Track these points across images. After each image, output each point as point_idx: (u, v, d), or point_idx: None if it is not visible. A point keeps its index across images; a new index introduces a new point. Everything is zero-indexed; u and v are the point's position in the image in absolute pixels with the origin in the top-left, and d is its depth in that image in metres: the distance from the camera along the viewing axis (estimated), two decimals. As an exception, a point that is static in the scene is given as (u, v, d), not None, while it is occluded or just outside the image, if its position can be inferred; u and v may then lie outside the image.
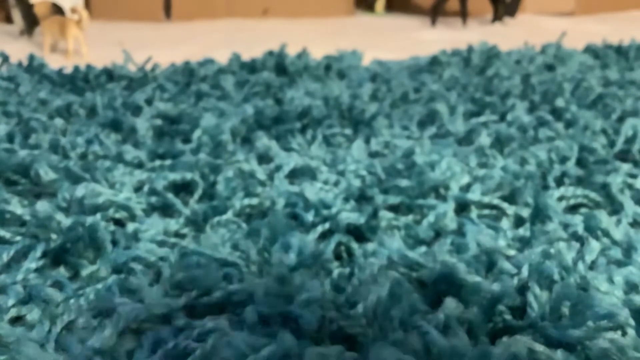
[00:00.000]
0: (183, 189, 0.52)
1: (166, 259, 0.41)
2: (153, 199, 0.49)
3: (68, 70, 0.91)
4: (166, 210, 0.49)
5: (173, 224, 0.46)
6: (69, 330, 0.33)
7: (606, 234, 0.46)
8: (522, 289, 0.38)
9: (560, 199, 0.53)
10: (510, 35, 1.56)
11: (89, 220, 0.42)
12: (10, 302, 0.35)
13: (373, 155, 0.61)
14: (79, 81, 0.86)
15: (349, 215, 0.46)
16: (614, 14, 2.03)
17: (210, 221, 0.46)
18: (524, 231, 0.47)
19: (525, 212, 0.50)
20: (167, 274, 0.38)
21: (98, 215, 0.44)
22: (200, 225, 0.46)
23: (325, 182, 0.53)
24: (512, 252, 0.43)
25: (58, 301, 0.35)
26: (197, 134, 0.63)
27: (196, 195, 0.51)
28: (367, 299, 0.35)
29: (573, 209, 0.53)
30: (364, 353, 0.32)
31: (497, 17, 1.84)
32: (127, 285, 0.37)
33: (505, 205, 0.51)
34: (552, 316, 0.36)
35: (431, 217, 0.48)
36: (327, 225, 0.46)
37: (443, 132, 0.68)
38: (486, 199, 0.51)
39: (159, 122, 0.68)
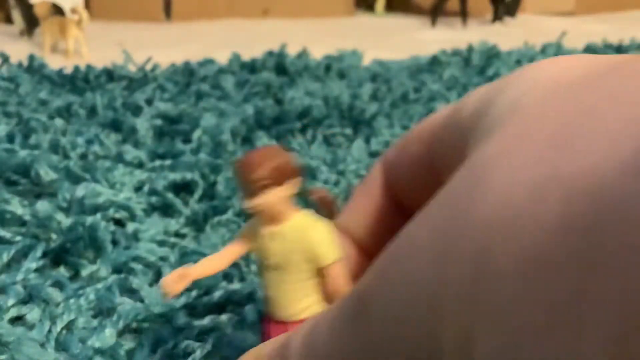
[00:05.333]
0: (183, 189, 0.52)
1: (166, 259, 0.41)
2: (153, 199, 0.49)
3: (68, 70, 0.90)
4: (166, 210, 0.48)
5: (173, 224, 0.46)
6: (69, 330, 0.33)
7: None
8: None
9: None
10: (510, 35, 1.56)
11: (89, 220, 0.42)
12: (10, 301, 0.34)
13: (373, 155, 0.61)
14: (79, 81, 0.86)
15: (349, 215, 0.46)
16: (614, 14, 2.03)
17: (210, 221, 0.46)
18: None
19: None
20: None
21: (98, 215, 0.44)
22: (200, 225, 0.46)
23: (326, 182, 0.53)
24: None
25: (58, 301, 0.35)
26: (197, 134, 0.63)
27: (196, 195, 0.51)
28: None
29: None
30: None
31: (497, 17, 1.84)
32: (127, 285, 0.37)
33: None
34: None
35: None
36: (327, 225, 0.46)
37: (443, 131, 0.68)
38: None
39: (159, 122, 0.68)
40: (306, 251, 0.23)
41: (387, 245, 0.17)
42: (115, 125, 0.66)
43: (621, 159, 0.11)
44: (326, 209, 0.25)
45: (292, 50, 1.00)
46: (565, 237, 0.11)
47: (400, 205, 0.24)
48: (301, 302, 0.24)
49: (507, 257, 0.12)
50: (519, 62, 1.04)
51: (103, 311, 0.35)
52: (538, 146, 0.13)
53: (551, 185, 0.12)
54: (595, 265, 0.11)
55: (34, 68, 0.91)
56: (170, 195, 0.49)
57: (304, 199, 0.24)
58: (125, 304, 0.34)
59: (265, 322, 0.25)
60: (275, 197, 0.23)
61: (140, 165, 0.57)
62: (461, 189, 0.14)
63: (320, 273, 0.23)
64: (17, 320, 0.34)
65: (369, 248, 0.24)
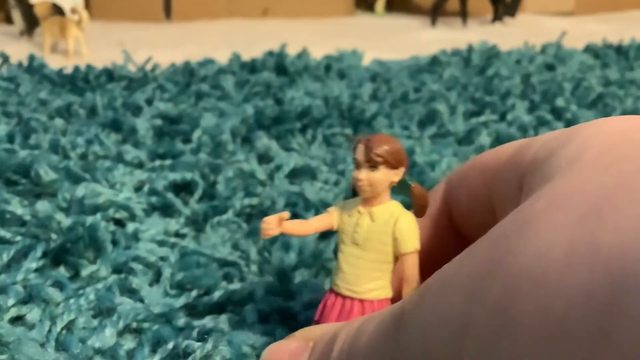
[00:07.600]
0: (183, 189, 0.52)
1: (166, 259, 0.41)
2: (153, 199, 0.49)
3: (68, 70, 0.90)
4: (166, 210, 0.48)
5: (173, 224, 0.46)
6: (69, 330, 0.33)
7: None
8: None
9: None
10: (510, 35, 1.56)
11: (89, 220, 0.42)
12: (10, 301, 0.34)
13: (373, 155, 0.61)
14: (79, 81, 0.86)
15: (349, 215, 0.46)
16: (614, 14, 2.03)
17: (210, 221, 0.46)
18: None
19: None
20: (167, 273, 0.38)
21: (98, 215, 0.44)
22: (200, 225, 0.46)
23: (326, 182, 0.53)
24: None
25: (58, 301, 0.35)
26: (197, 134, 0.63)
27: (196, 195, 0.51)
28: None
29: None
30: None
31: (497, 17, 1.84)
32: (127, 285, 0.37)
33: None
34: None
35: (431, 217, 0.48)
36: (327, 225, 0.46)
37: (443, 131, 0.68)
38: (486, 199, 0.51)
39: (159, 122, 0.68)
40: (390, 235, 0.25)
41: (436, 271, 0.17)
42: (115, 125, 0.66)
43: None
44: (418, 205, 0.26)
45: (292, 50, 1.00)
46: (586, 309, 0.12)
47: (455, 225, 0.25)
48: (371, 283, 0.25)
49: (529, 312, 0.13)
50: (518, 62, 1.04)
51: (103, 311, 0.35)
52: (581, 210, 0.13)
53: (585, 253, 0.12)
54: (610, 342, 0.11)
55: (34, 68, 0.91)
56: (170, 195, 0.49)
57: (401, 191, 0.26)
58: (125, 304, 0.34)
59: (327, 293, 0.26)
60: (385, 176, 0.25)
61: (140, 165, 0.57)
62: (505, 234, 0.15)
63: (397, 259, 0.25)
64: (17, 320, 0.34)
65: (421, 261, 0.25)
